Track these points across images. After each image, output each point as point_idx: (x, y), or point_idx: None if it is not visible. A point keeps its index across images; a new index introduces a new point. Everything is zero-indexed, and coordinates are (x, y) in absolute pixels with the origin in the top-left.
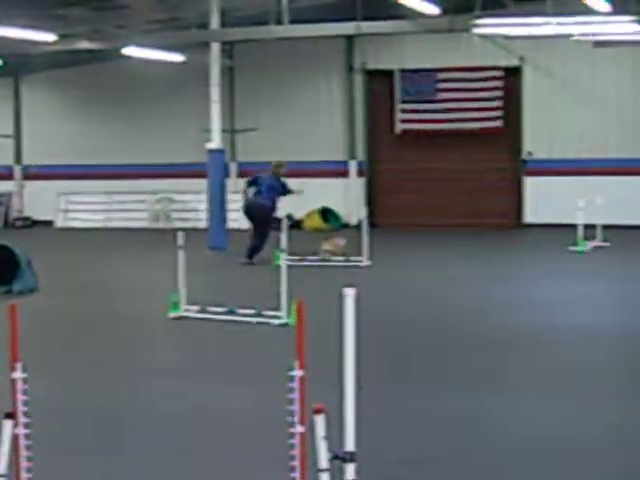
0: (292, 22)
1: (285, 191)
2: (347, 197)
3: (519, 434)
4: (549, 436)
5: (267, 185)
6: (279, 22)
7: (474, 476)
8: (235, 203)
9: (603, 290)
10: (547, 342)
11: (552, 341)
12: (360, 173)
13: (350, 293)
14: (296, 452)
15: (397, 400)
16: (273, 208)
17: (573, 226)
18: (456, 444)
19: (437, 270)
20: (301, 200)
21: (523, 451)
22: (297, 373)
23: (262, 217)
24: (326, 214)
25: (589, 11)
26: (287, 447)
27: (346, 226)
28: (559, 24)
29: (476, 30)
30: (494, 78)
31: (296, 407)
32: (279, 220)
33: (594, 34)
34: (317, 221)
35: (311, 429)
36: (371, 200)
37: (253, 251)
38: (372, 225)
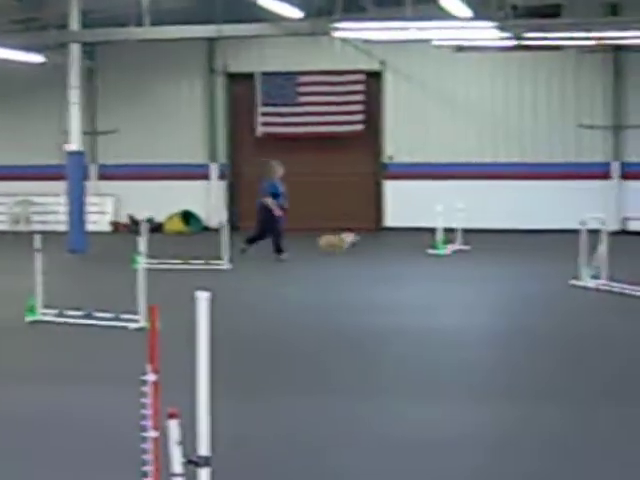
0: (153, 24)
1: (274, 193)
2: (208, 200)
3: (375, 440)
4: (413, 438)
5: (263, 188)
6: (140, 24)
7: None
8: (95, 206)
9: (461, 293)
10: (401, 344)
11: (406, 343)
12: (221, 176)
13: (203, 297)
14: (150, 457)
15: (252, 406)
16: (267, 208)
17: (433, 230)
18: (313, 452)
19: (297, 274)
20: (161, 203)
21: (382, 457)
22: (150, 377)
23: (260, 217)
24: (187, 217)
25: (449, 16)
26: (141, 452)
27: (207, 229)
28: (419, 29)
29: (336, 34)
30: (355, 82)
31: (149, 412)
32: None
33: (455, 39)
34: (178, 224)
35: (165, 434)
36: (233, 203)
37: (252, 239)
38: (234, 228)
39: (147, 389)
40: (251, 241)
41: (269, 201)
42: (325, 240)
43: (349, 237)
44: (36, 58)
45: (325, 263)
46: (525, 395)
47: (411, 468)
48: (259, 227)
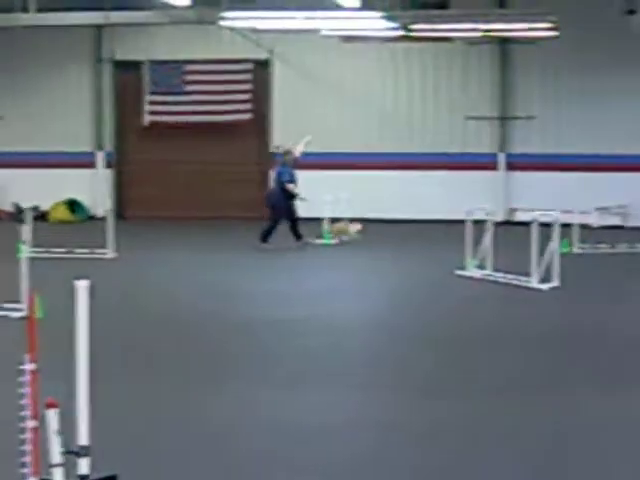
0: (40, 10)
1: (289, 179)
2: (94, 188)
3: (264, 425)
4: (302, 424)
5: (276, 173)
6: (25, 9)
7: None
8: None
9: (346, 282)
10: (287, 333)
11: (293, 332)
12: (108, 164)
13: (83, 285)
14: (28, 447)
15: (132, 396)
16: (278, 194)
17: (320, 219)
18: (202, 437)
19: (182, 262)
20: (47, 191)
21: (271, 441)
22: (28, 367)
23: (270, 204)
24: (73, 206)
25: (337, 6)
26: (19, 442)
27: (93, 218)
28: (306, 18)
29: (224, 23)
30: (243, 71)
31: (28, 402)
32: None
33: (342, 29)
34: (63, 213)
35: (44, 424)
36: (120, 192)
37: (265, 234)
38: (121, 217)
39: (25, 379)
40: (266, 236)
41: (290, 186)
42: (336, 228)
43: (356, 226)
44: None
45: (211, 252)
46: (406, 384)
47: (299, 452)
48: (272, 215)
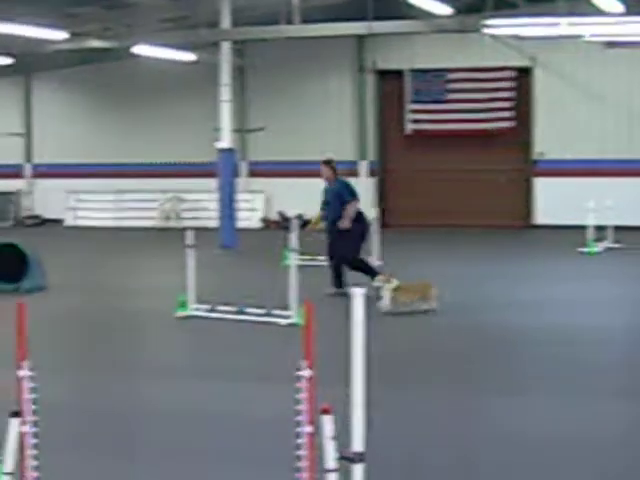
0: (303, 21)
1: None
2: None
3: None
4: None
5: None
6: (290, 21)
7: None
8: (246, 202)
9: (611, 291)
10: (542, 342)
11: (548, 340)
12: (371, 173)
13: (359, 293)
14: (304, 452)
15: (401, 402)
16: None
17: (583, 227)
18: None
19: (444, 269)
20: (310, 200)
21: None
22: (305, 373)
23: None
24: None
25: (601, 12)
26: (295, 447)
27: None
28: (570, 24)
29: (487, 30)
30: (505, 79)
31: (304, 407)
32: None
33: (606, 35)
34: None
35: (319, 429)
36: (382, 200)
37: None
38: (384, 225)
39: (301, 384)
40: None
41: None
42: None
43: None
44: (188, 56)
45: (471, 260)
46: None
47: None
48: None
